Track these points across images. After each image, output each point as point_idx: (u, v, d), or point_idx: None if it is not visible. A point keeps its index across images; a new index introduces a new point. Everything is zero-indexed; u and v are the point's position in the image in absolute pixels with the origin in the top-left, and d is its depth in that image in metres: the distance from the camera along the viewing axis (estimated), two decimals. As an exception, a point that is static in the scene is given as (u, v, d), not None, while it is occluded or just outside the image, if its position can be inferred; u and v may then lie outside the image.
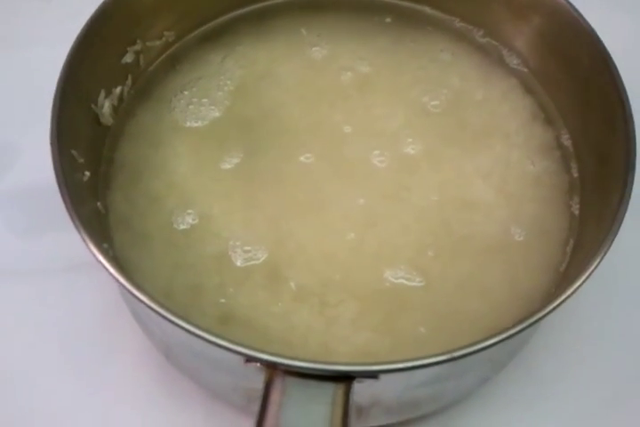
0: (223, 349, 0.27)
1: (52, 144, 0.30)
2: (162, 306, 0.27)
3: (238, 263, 0.36)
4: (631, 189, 0.33)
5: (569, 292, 0.31)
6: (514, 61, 0.44)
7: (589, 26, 0.38)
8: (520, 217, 0.39)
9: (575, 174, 0.41)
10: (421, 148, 0.41)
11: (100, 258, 0.28)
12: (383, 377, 0.28)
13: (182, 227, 0.37)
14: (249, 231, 0.37)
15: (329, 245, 0.37)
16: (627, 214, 0.33)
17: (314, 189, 0.38)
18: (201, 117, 0.40)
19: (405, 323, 0.36)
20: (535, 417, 0.40)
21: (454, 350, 0.27)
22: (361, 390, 0.29)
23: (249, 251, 0.36)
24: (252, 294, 0.36)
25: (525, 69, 0.43)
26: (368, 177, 0.39)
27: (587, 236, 0.37)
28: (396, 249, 0.37)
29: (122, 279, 0.28)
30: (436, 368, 0.29)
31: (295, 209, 0.38)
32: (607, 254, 0.32)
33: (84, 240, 0.28)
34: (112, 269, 0.28)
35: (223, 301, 0.35)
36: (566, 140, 0.42)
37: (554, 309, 0.31)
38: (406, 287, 0.37)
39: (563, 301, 0.31)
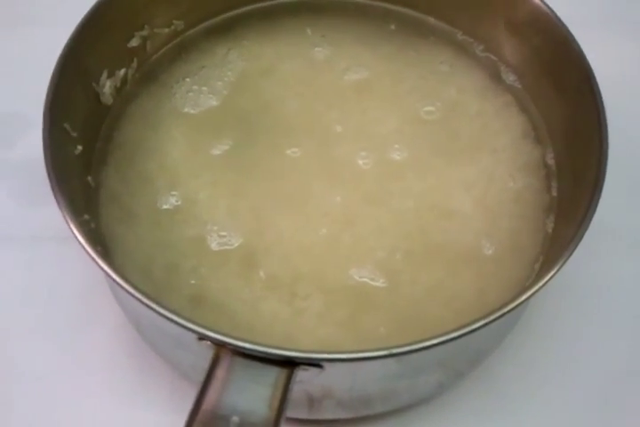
0: (176, 324, 0.28)
1: (44, 115, 0.31)
2: (122, 277, 0.29)
3: (213, 247, 0.38)
4: (593, 212, 0.34)
5: (515, 303, 0.32)
6: (510, 78, 0.45)
7: (578, 46, 0.39)
8: (495, 231, 0.40)
9: (554, 194, 0.42)
10: (408, 154, 0.42)
11: (71, 225, 0.30)
12: (328, 368, 0.29)
13: (166, 207, 0.39)
14: (228, 217, 0.38)
15: (304, 239, 0.39)
16: (593, 233, 0.34)
17: (297, 183, 0.40)
18: (199, 104, 0.41)
19: (368, 322, 0.37)
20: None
21: (394, 347, 0.29)
22: (309, 378, 0.30)
23: (225, 236, 0.38)
24: (225, 279, 0.37)
25: (520, 87, 0.45)
26: (352, 177, 0.41)
27: (553, 254, 0.38)
28: (368, 249, 0.39)
29: (85, 244, 0.29)
30: (381, 364, 0.30)
31: (276, 200, 0.39)
32: (578, 270, 0.33)
33: (62, 211, 0.30)
34: (77, 234, 0.29)
35: (195, 282, 0.37)
36: (550, 160, 0.43)
37: (496, 319, 0.32)
38: (370, 287, 0.38)
39: (506, 312, 0.32)
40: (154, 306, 0.28)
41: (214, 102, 0.42)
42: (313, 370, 0.30)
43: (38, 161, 0.31)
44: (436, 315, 0.38)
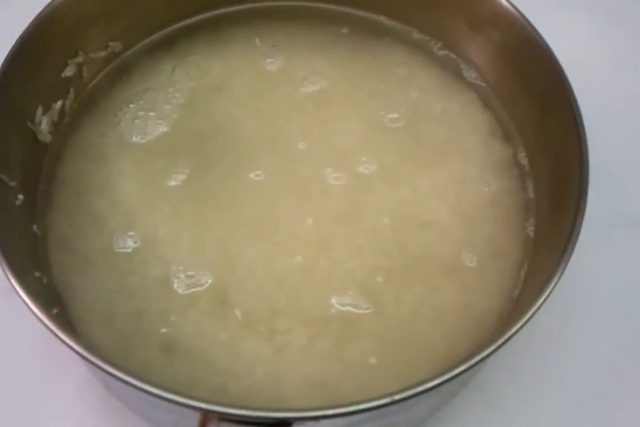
0: (154, 396, 0.25)
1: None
2: (84, 347, 0.26)
3: (180, 290, 0.35)
4: (583, 215, 0.32)
5: (519, 324, 0.31)
6: (472, 75, 0.43)
7: (545, 43, 0.37)
8: (475, 238, 0.38)
9: (531, 195, 0.40)
10: (377, 165, 0.40)
11: (22, 293, 0.27)
12: (323, 420, 0.27)
13: (123, 250, 0.35)
14: (194, 254, 0.36)
15: (277, 268, 0.36)
16: (582, 235, 0.32)
17: (264, 208, 0.37)
18: (147, 132, 0.38)
19: (355, 351, 0.35)
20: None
21: (395, 393, 0.27)
22: (303, 429, 0.28)
23: (192, 276, 0.35)
24: (197, 322, 0.35)
25: (484, 84, 0.43)
26: (321, 196, 0.38)
27: (540, 260, 0.37)
28: (347, 273, 0.36)
29: (48, 322, 0.26)
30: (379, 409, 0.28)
31: (243, 230, 0.37)
32: (562, 276, 0.31)
33: (6, 273, 0.27)
34: (33, 306, 0.26)
35: (165, 330, 0.34)
36: (523, 159, 0.41)
37: (504, 342, 0.30)
38: (354, 315, 0.36)
39: (513, 334, 0.30)
40: (131, 380, 0.25)
41: (164, 128, 0.38)
42: (308, 424, 0.28)
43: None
44: (425, 334, 0.36)
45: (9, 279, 0.27)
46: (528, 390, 0.40)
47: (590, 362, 0.41)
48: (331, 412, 0.26)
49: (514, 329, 0.30)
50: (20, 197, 0.33)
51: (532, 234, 0.39)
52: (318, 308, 0.35)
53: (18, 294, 0.27)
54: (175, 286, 0.35)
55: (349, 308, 0.36)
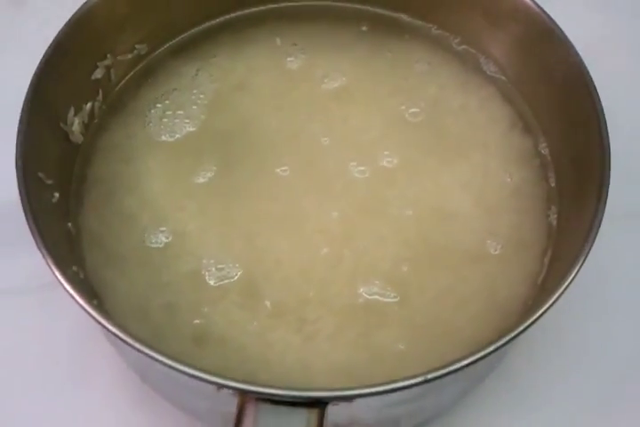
0: (194, 378, 0.26)
1: (17, 168, 0.29)
2: (130, 335, 0.27)
3: (212, 282, 0.36)
4: (606, 200, 0.33)
5: (545, 306, 0.31)
6: (491, 69, 0.43)
7: (564, 35, 0.38)
8: (498, 228, 0.39)
9: (552, 184, 0.40)
10: (399, 159, 0.40)
11: (66, 286, 0.28)
12: (358, 400, 0.28)
13: (156, 245, 0.36)
14: (223, 248, 0.36)
15: (305, 261, 0.37)
16: (605, 221, 0.33)
17: (290, 202, 0.38)
18: (175, 131, 0.39)
19: (382, 338, 0.35)
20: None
21: (428, 372, 0.27)
22: (337, 411, 0.29)
23: (222, 269, 0.36)
24: (228, 313, 0.35)
25: (503, 77, 0.43)
26: (345, 190, 0.39)
27: (564, 246, 0.37)
28: (373, 263, 0.37)
29: (88, 308, 0.27)
30: (412, 389, 0.29)
31: (270, 224, 0.37)
32: (585, 263, 0.32)
33: (50, 267, 0.28)
34: (79, 299, 0.27)
35: (198, 321, 0.35)
36: (544, 149, 0.41)
37: (531, 324, 0.31)
38: (381, 303, 0.36)
39: (539, 316, 0.31)
40: (167, 361, 0.26)
41: (191, 128, 0.39)
42: (342, 404, 0.28)
43: (8, 208, 0.29)
44: (450, 321, 0.36)
45: (53, 272, 0.28)
46: (553, 378, 0.41)
47: (614, 349, 0.41)
48: (366, 391, 0.26)
49: (540, 311, 0.30)
50: (56, 195, 0.34)
51: (554, 222, 0.39)
52: (345, 297, 0.36)
53: (62, 285, 0.28)
54: (206, 278, 0.36)
55: (376, 296, 0.36)
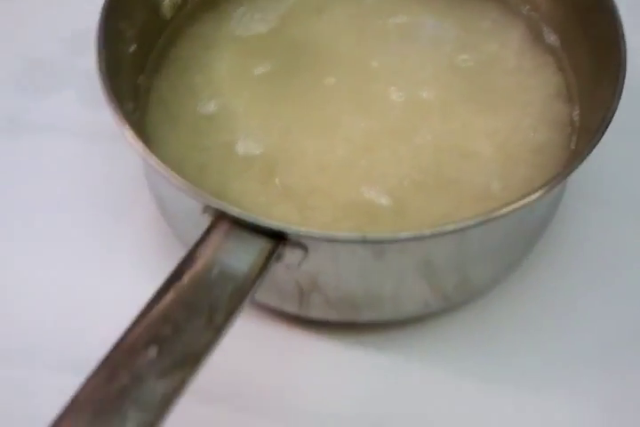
0: (181, 191, 0.32)
1: (101, 12, 0.36)
2: (150, 154, 0.33)
3: (240, 155, 0.42)
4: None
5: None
6: (551, 38, 0.47)
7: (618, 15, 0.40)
8: (510, 176, 0.42)
9: (572, 147, 0.43)
10: (438, 97, 0.44)
11: (115, 111, 0.34)
12: (312, 251, 0.33)
13: (206, 113, 0.43)
14: (258, 130, 0.42)
15: (323, 158, 0.42)
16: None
17: (327, 109, 0.43)
18: (249, 30, 0.46)
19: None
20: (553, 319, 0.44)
21: (368, 233, 0.32)
22: (295, 262, 0.34)
23: (252, 146, 0.42)
24: (245, 183, 0.41)
25: (559, 47, 0.46)
26: (379, 110, 0.43)
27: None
28: (383, 175, 0.41)
29: (122, 125, 0.33)
30: (353, 252, 0.33)
31: (304, 122, 0.43)
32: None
33: (108, 97, 0.34)
34: (117, 116, 0.34)
35: (220, 182, 0.41)
36: (575, 117, 0.44)
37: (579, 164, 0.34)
38: (380, 209, 0.40)
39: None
40: (167, 173, 0.32)
41: (264, 29, 0.46)
42: (298, 253, 0.33)
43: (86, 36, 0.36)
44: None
45: (110, 104, 0.34)
46: (588, 265, 0.45)
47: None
48: (319, 234, 0.31)
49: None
50: (134, 46, 0.41)
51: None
52: (348, 195, 0.41)
53: (114, 116, 0.34)
54: (237, 151, 0.42)
55: (377, 202, 0.41)
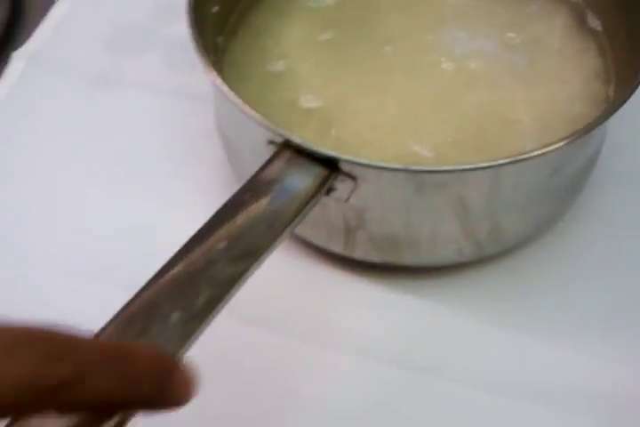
0: (252, 120, 0.37)
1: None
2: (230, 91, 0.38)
3: (302, 107, 0.47)
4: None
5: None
6: (594, 23, 0.51)
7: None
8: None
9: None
10: (485, 69, 0.49)
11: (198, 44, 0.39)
12: (361, 182, 0.38)
13: (274, 72, 0.48)
14: (320, 88, 0.47)
15: (376, 117, 0.46)
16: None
17: (382, 73, 0.48)
18: (320, 2, 0.51)
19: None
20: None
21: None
22: (345, 194, 0.38)
23: (314, 102, 0.47)
24: (304, 132, 0.45)
25: (602, 31, 0.50)
26: (430, 76, 0.48)
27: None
28: (428, 134, 0.46)
29: (209, 68, 0.39)
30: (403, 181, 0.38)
31: (362, 84, 0.47)
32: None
33: (195, 45, 0.40)
34: (204, 60, 0.39)
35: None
36: (611, 93, 0.48)
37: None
38: (421, 157, 0.45)
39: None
40: (242, 106, 0.38)
41: (331, 2, 0.51)
42: (348, 184, 0.38)
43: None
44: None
45: (193, 37, 0.40)
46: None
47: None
48: (376, 163, 0.36)
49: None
50: (216, 8, 0.46)
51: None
52: (396, 149, 0.45)
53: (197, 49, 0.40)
54: (299, 105, 0.47)
55: (420, 154, 0.45)
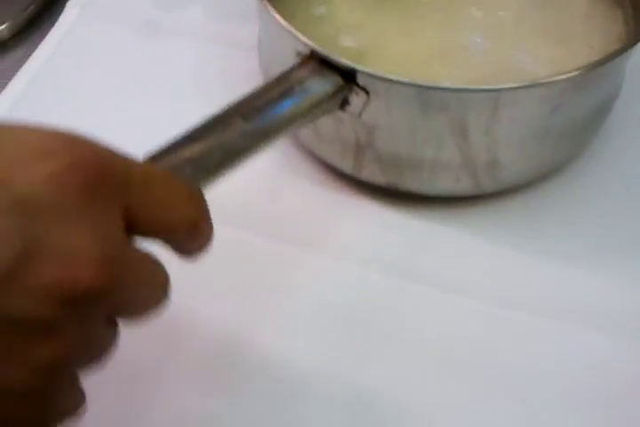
0: (286, 33, 0.43)
1: None
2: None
3: (340, 44, 0.52)
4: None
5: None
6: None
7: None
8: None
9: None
10: (513, 21, 0.54)
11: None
12: (373, 96, 0.43)
13: (316, 14, 0.54)
14: (357, 29, 0.53)
15: (405, 56, 0.51)
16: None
17: (416, 19, 0.53)
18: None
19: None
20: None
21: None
22: (358, 109, 0.43)
23: (350, 39, 0.52)
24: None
25: (630, 4, 0.54)
26: (460, 27, 0.53)
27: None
28: (450, 75, 0.50)
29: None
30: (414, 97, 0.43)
31: (395, 27, 0.53)
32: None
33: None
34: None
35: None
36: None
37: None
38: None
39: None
40: (280, 20, 0.44)
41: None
42: (362, 96, 0.43)
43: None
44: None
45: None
46: None
47: None
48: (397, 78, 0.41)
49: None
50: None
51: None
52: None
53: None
54: (340, 42, 0.52)
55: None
